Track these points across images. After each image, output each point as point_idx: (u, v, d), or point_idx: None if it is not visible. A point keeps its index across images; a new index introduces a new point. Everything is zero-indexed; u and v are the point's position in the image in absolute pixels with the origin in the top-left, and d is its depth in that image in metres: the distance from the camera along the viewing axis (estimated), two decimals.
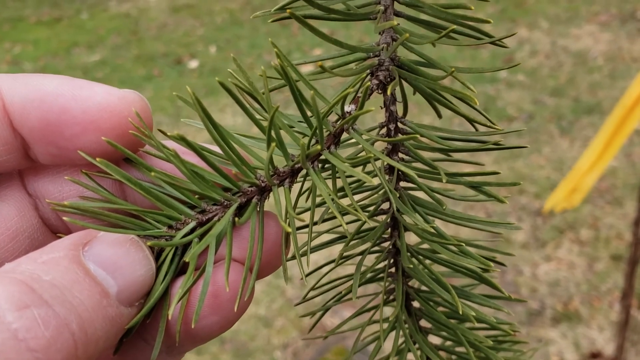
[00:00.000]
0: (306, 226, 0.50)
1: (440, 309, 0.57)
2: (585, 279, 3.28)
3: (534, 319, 3.08)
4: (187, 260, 0.47)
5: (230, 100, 5.22)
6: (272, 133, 0.45)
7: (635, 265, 2.17)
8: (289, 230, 0.45)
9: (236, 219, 0.48)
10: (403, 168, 0.42)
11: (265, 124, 0.47)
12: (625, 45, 5.49)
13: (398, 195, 0.48)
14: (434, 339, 0.61)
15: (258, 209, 0.50)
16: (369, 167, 0.55)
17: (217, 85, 5.58)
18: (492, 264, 0.46)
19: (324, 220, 0.54)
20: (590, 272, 3.32)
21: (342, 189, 0.49)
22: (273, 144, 0.45)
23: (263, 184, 0.50)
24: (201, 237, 0.50)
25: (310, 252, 0.49)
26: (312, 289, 0.59)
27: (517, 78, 5.15)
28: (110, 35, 7.07)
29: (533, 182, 3.95)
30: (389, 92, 0.43)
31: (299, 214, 0.53)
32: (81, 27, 7.38)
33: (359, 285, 0.52)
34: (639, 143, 4.11)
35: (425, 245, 0.53)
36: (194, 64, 6.17)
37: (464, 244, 0.46)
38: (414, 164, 0.50)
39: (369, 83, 0.42)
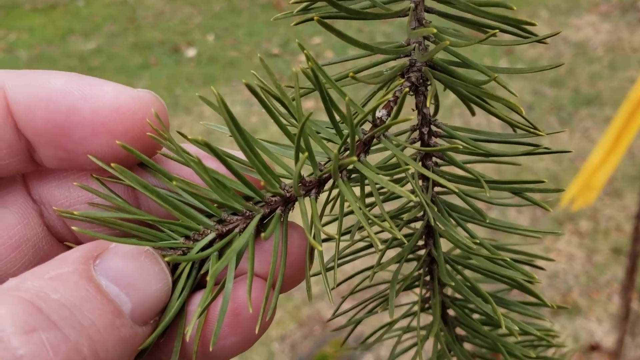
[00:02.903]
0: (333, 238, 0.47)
1: (476, 315, 0.55)
2: (584, 270, 3.28)
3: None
4: (207, 279, 0.43)
5: (228, 89, 5.19)
6: (302, 143, 0.42)
7: (635, 259, 2.16)
8: (320, 248, 0.41)
9: (261, 234, 0.45)
10: (441, 181, 0.40)
11: (292, 129, 0.44)
12: (625, 36, 5.46)
13: (435, 206, 0.46)
14: (468, 345, 0.59)
15: (282, 220, 0.47)
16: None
17: (215, 74, 5.54)
18: (536, 275, 0.44)
19: (359, 228, 0.51)
20: (589, 264, 3.32)
21: (370, 194, 0.47)
22: (304, 155, 0.42)
23: (288, 194, 0.47)
24: (221, 250, 0.46)
25: (339, 265, 0.46)
26: (344, 300, 0.56)
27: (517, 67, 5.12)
28: (106, 22, 6.99)
29: (532, 173, 3.94)
30: (428, 103, 0.40)
31: (326, 224, 0.51)
32: (77, 15, 7.30)
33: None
34: (639, 135, 4.10)
35: (458, 250, 0.51)
36: (191, 52, 6.12)
37: (508, 259, 0.43)
38: (449, 168, 0.47)
39: (407, 90, 0.40)
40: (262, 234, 0.44)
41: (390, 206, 0.53)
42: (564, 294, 3.17)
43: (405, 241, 0.40)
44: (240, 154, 0.46)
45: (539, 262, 0.56)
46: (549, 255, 3.37)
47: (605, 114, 4.38)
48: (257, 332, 0.45)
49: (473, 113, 0.49)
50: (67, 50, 6.38)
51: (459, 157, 0.47)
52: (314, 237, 0.44)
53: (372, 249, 0.55)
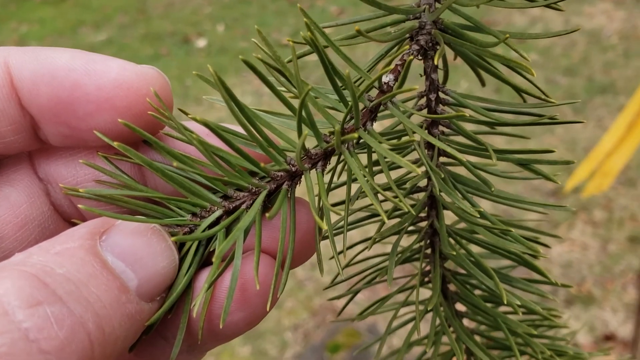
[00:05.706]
0: (340, 203, 0.46)
1: (477, 292, 0.53)
2: (599, 260, 3.25)
3: (547, 300, 3.05)
4: (213, 259, 0.43)
5: (238, 79, 5.18)
6: (304, 114, 0.41)
7: None
8: (325, 227, 0.40)
9: (266, 214, 0.44)
10: (448, 149, 0.38)
11: (293, 100, 0.43)
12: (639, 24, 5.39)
13: (440, 173, 0.44)
14: (468, 322, 0.58)
15: (289, 196, 0.46)
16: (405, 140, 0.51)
17: (225, 65, 5.53)
18: (540, 249, 0.42)
19: (357, 197, 0.49)
20: (603, 254, 3.28)
21: (376, 162, 0.45)
22: (305, 132, 0.41)
23: (294, 169, 0.46)
24: (228, 227, 0.46)
25: (346, 231, 0.45)
26: (345, 267, 0.55)
27: (530, 57, 5.07)
28: (116, 13, 7.00)
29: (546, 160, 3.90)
30: (436, 61, 0.39)
31: (336, 187, 0.49)
32: (87, 6, 7.31)
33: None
34: None
35: (462, 225, 0.50)
36: (201, 42, 6.11)
37: (512, 230, 0.42)
38: (455, 138, 0.46)
39: (411, 57, 0.38)
40: (267, 214, 0.43)
41: (398, 173, 0.51)
42: (578, 283, 3.14)
43: (413, 211, 0.38)
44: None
45: (546, 240, 0.55)
46: (563, 245, 3.34)
47: (619, 103, 4.32)
48: (268, 309, 0.44)
49: (483, 83, 0.48)
50: (78, 42, 6.40)
51: (467, 127, 0.45)
52: (321, 211, 0.43)
53: (374, 219, 0.54)
